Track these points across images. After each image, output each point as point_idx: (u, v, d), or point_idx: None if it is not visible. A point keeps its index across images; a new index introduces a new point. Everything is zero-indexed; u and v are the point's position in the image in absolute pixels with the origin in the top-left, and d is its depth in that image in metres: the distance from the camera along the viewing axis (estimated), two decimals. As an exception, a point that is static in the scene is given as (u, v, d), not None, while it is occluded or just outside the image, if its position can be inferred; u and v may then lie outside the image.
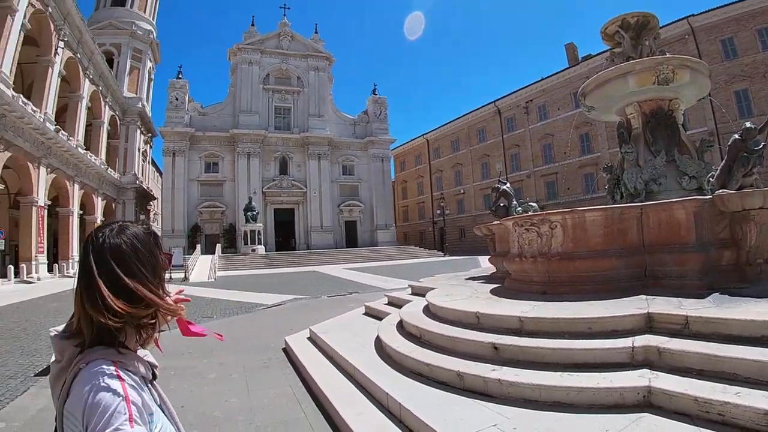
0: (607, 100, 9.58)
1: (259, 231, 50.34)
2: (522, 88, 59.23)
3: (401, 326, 7.04)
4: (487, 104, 64.39)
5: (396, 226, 65.75)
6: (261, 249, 49.46)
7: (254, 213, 50.47)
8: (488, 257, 11.76)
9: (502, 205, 11.67)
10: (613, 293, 5.97)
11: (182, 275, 33.00)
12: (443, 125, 72.55)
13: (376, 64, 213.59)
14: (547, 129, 55.52)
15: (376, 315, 9.92)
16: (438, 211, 62.73)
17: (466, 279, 10.89)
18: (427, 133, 75.68)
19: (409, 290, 11.30)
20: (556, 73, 54.91)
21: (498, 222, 10.20)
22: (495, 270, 10.87)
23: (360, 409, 5.00)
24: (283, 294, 20.26)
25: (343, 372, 6.44)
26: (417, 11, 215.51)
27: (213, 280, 32.18)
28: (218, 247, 48.59)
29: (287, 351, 8.82)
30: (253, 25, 64.16)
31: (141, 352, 1.47)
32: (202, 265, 38.24)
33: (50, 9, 34.12)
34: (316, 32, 66.00)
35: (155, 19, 69.28)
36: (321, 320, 10.43)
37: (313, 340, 8.72)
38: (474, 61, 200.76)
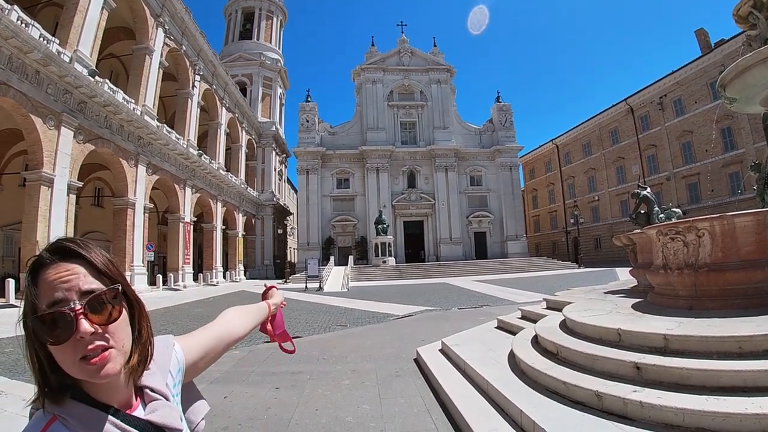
0: (748, 89, 8.43)
1: (389, 243, 51.21)
2: (654, 83, 54.62)
3: (536, 341, 6.80)
4: (618, 103, 60.26)
5: (527, 237, 63.59)
6: (391, 260, 50.24)
7: (384, 226, 51.34)
8: (628, 269, 11.11)
9: (642, 212, 11.08)
10: (766, 308, 5.45)
11: (317, 285, 34.31)
12: (572, 129, 69.00)
13: (499, 71, 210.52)
14: (684, 125, 50.44)
15: (509, 329, 9.69)
16: (571, 220, 59.95)
17: (605, 293, 10.34)
18: (555, 138, 72.50)
19: (544, 304, 10.88)
20: (689, 63, 49.72)
21: (639, 231, 9.68)
22: (636, 283, 10.23)
23: (493, 425, 4.89)
24: (413, 305, 20.33)
25: (475, 386, 6.34)
26: (481, 5, 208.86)
27: (346, 290, 32.97)
28: (350, 258, 50.00)
29: (418, 362, 8.84)
30: (373, 45, 66.05)
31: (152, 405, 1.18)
32: (336, 276, 39.39)
33: (184, 47, 38.05)
34: (434, 45, 66.27)
35: (281, 48, 73.87)
36: (452, 332, 10.36)
37: (445, 352, 8.67)
38: (598, 59, 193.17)
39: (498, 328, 10.41)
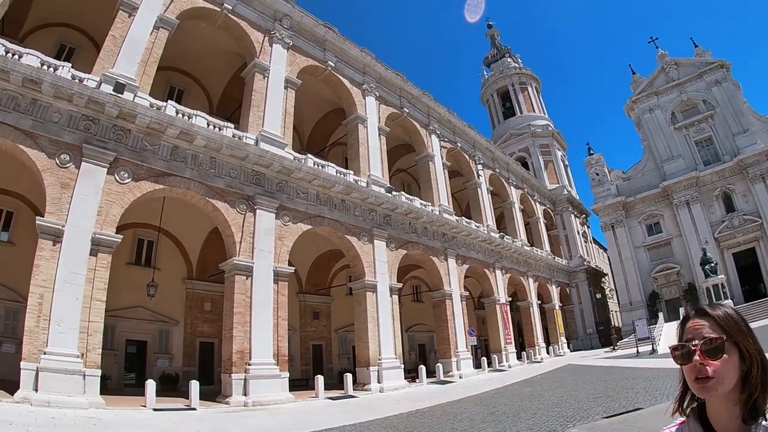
0: None
1: (722, 284, 44.63)
2: None
3: None
4: None
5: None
6: (729, 303, 42.88)
7: (712, 265, 45.28)
8: None
9: None
10: None
11: (649, 348, 31.84)
12: None
13: None
14: None
15: None
16: None
17: None
18: None
19: None
20: None
21: None
22: None
23: None
24: (768, 349, 17.80)
25: None
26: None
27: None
28: (681, 311, 44.37)
29: None
30: (633, 72, 61.50)
31: None
32: (668, 334, 36.23)
33: (459, 144, 41.17)
34: (696, 45, 57.74)
35: (546, 113, 74.56)
36: None
37: None
38: None
39: None
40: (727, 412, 1.66)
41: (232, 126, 21.89)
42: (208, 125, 20.53)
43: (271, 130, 23.27)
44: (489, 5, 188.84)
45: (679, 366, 1.77)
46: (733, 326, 1.69)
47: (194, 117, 20.17)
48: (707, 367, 1.63)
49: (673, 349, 1.76)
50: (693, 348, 1.67)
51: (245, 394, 18.13)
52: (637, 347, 32.74)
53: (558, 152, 69.57)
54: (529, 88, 74.98)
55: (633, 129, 62.48)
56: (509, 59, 78.92)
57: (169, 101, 20.05)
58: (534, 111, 72.94)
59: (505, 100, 75.33)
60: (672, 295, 52.06)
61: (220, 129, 21.02)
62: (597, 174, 58.19)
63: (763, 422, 1.60)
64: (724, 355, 1.63)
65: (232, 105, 28.01)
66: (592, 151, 60.65)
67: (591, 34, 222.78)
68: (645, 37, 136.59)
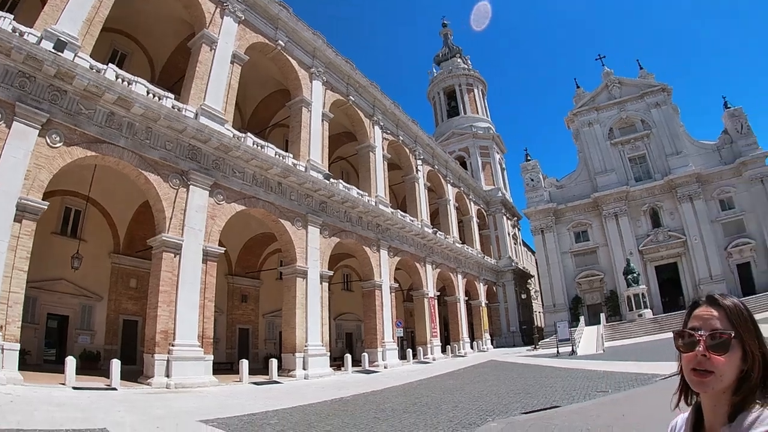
0: None
1: (642, 294, 46.89)
2: None
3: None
4: None
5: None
6: (647, 313, 45.59)
7: (635, 275, 47.45)
8: None
9: None
10: None
11: (569, 349, 32.70)
12: None
13: (719, 73, 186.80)
14: None
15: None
16: None
17: None
18: None
19: None
20: None
21: None
22: None
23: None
24: (680, 361, 18.59)
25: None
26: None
27: (601, 351, 31.20)
28: (602, 316, 46.86)
29: None
30: (578, 86, 63.47)
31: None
32: (588, 337, 37.50)
33: (401, 137, 41.20)
34: (641, 68, 60.65)
35: (489, 116, 76.21)
36: None
37: None
38: None
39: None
40: (715, 410, 1.60)
41: (173, 97, 20.94)
42: (148, 93, 19.49)
43: (212, 105, 22.50)
44: (445, 4, 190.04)
45: (678, 353, 1.70)
46: (742, 322, 1.61)
47: (134, 84, 19.12)
48: (711, 362, 1.56)
49: (677, 335, 1.69)
50: (698, 338, 1.60)
51: (168, 376, 17.52)
52: (557, 348, 33.76)
53: (497, 155, 71.38)
54: (476, 90, 76.31)
55: (571, 140, 64.81)
56: (459, 60, 79.81)
57: (110, 64, 18.91)
58: (478, 113, 74.29)
59: (451, 99, 76.41)
60: (594, 301, 54.64)
61: (159, 98, 20.01)
62: (532, 180, 59.94)
63: (752, 412, 1.51)
64: (728, 352, 1.56)
65: (175, 75, 26.88)
66: (529, 157, 62.09)
67: (542, 45, 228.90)
68: (594, 53, 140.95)
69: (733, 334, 1.56)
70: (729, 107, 54.74)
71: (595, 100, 61.01)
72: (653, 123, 56.71)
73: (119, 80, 18.52)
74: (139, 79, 19.57)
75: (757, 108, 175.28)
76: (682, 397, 1.77)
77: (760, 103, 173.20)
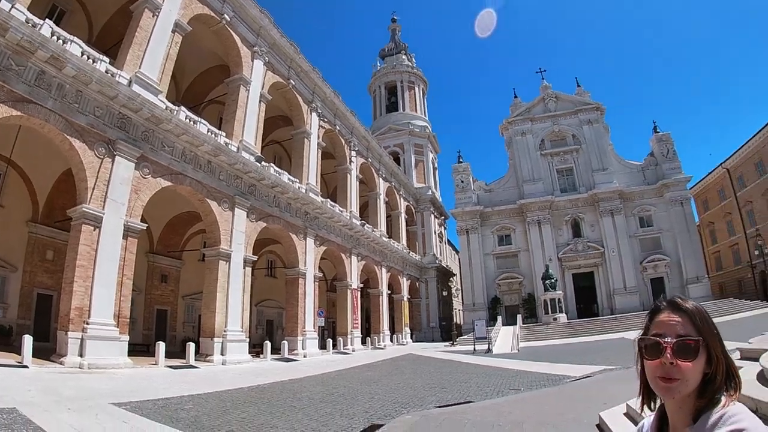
0: None
1: (559, 299, 48.44)
2: None
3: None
4: None
5: (708, 278, 55.49)
6: (562, 317, 47.31)
7: (552, 281, 49.15)
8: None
9: None
10: None
11: (486, 347, 33.40)
12: (740, 148, 59.82)
13: (652, 99, 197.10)
14: None
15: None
16: (755, 252, 51.33)
17: None
18: (724, 162, 63.09)
19: (737, 354, 9.53)
20: None
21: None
22: None
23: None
24: (590, 365, 19.25)
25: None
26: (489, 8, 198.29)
27: (516, 351, 31.90)
28: (519, 317, 48.26)
29: (602, 427, 8.12)
30: (516, 96, 65.43)
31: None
32: (504, 337, 38.34)
33: (338, 127, 40.97)
34: (578, 85, 63.36)
35: (427, 115, 77.02)
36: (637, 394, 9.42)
37: (631, 416, 7.74)
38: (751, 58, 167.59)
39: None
40: (680, 413, 1.58)
41: (108, 61, 19.79)
42: (82, 55, 18.35)
43: (148, 74, 21.49)
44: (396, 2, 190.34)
45: (638, 358, 1.68)
46: (706, 327, 1.58)
47: (69, 43, 17.95)
48: (678, 368, 1.52)
49: (641, 342, 1.64)
50: (664, 345, 1.55)
51: (81, 355, 16.63)
52: (474, 345, 34.40)
53: (430, 154, 72.51)
54: (417, 88, 76.97)
55: (503, 147, 66.37)
56: (404, 56, 79.99)
57: (47, 20, 17.67)
58: (416, 111, 75.02)
59: (391, 94, 76.53)
60: (512, 302, 56.51)
61: (94, 61, 18.84)
62: (462, 181, 61.08)
63: (714, 413, 1.49)
64: (698, 359, 1.54)
65: (113, 38, 25.22)
66: (461, 160, 63.18)
67: (488, 53, 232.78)
68: (537, 66, 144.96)
69: (700, 340, 1.55)
70: (658, 132, 58.15)
71: (531, 111, 62.91)
72: (584, 139, 59.50)
73: (54, 38, 17.34)
74: (75, 39, 18.40)
75: (683, 136, 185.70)
76: (645, 404, 1.75)
77: (686, 131, 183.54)
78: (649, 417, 1.77)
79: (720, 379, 1.53)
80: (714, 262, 68.18)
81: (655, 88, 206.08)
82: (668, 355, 1.52)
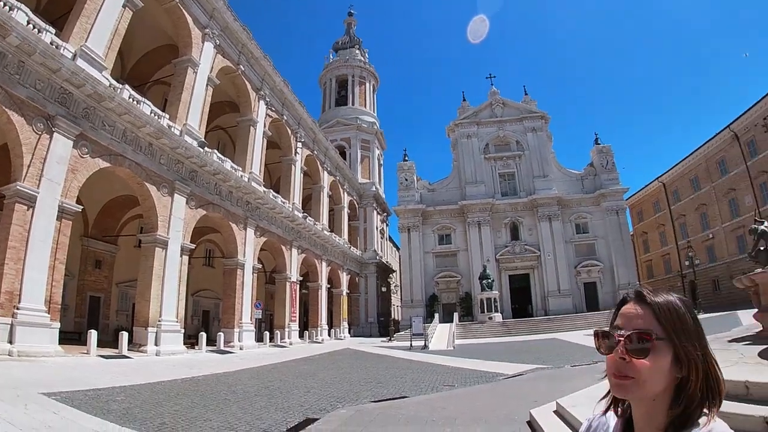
0: None
1: (495, 299, 49.70)
2: (756, 104, 48.59)
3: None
4: (721, 131, 54.63)
5: (640, 284, 57.40)
6: (498, 316, 48.50)
7: (489, 281, 50.15)
8: (753, 313, 10.17)
9: (762, 249, 10.24)
10: None
11: (422, 343, 33.72)
12: (677, 164, 64.00)
13: (594, 111, 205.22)
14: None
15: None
16: (686, 262, 54.05)
17: (729, 341, 9.42)
18: (661, 176, 66.93)
19: None
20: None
21: (761, 270, 8.99)
22: (762, 328, 9.42)
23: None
24: (523, 363, 19.68)
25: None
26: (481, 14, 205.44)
27: (452, 348, 32.39)
28: (455, 315, 49.18)
29: (532, 424, 8.31)
30: (464, 99, 66.66)
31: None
32: (441, 334, 38.93)
33: (285, 117, 40.59)
34: (526, 94, 65.43)
35: (376, 111, 77.17)
36: (567, 392, 9.58)
37: (561, 413, 8.08)
38: (701, 82, 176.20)
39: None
40: (649, 421, 1.36)
41: (53, 32, 18.86)
42: (28, 24, 17.45)
43: (94, 48, 20.65)
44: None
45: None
46: (674, 322, 1.35)
47: (16, 10, 17.01)
48: (630, 366, 1.32)
49: (597, 335, 1.45)
50: (618, 339, 1.36)
51: (11, 342, 15.83)
52: (411, 341, 34.75)
53: (377, 150, 72.63)
54: (367, 84, 76.88)
55: (449, 148, 67.13)
56: (358, 51, 79.60)
57: (-5, -15, 16.70)
58: (365, 106, 74.93)
59: (342, 88, 76.03)
60: (450, 300, 57.53)
61: (39, 31, 17.94)
62: (406, 179, 61.41)
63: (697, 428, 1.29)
64: (652, 356, 1.31)
65: (61, 8, 23.84)
66: (407, 158, 63.57)
67: (441, 55, 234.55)
68: (486, 72, 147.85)
69: (654, 335, 1.33)
70: (599, 143, 60.60)
71: (478, 115, 64.02)
72: (527, 145, 61.25)
73: (1, 3, 16.40)
74: (22, 6, 17.44)
75: (624, 148, 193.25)
76: (611, 405, 1.54)
77: (626, 145, 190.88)
78: (598, 416, 1.60)
79: (694, 385, 1.32)
80: (645, 270, 72.34)
81: (599, 100, 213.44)
82: (619, 350, 1.34)
